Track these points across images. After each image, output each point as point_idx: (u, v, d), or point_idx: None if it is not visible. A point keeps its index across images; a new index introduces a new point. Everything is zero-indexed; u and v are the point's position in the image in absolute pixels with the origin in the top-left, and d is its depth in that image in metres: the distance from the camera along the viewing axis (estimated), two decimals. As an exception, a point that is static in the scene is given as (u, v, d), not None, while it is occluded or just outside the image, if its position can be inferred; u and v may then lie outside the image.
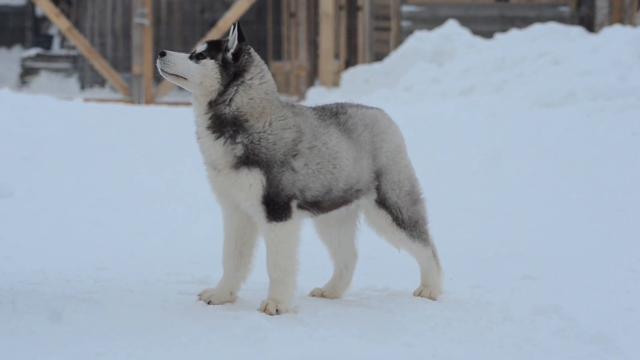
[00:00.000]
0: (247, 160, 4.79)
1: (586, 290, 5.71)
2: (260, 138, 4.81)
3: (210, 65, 4.84)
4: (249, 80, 4.87)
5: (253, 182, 4.79)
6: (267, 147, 4.81)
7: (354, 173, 5.01)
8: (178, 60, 4.85)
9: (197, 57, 4.85)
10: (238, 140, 4.80)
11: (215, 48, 4.88)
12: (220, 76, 4.85)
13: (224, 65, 4.86)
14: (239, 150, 4.80)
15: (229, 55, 4.87)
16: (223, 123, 4.82)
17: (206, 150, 4.87)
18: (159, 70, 4.84)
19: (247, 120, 4.83)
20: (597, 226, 7.81)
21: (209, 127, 4.84)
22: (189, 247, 6.83)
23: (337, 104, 5.14)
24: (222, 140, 4.82)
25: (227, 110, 4.83)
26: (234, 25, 4.90)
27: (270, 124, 4.83)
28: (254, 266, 5.02)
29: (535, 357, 4.35)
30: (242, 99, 4.84)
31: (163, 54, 4.84)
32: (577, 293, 5.63)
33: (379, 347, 4.36)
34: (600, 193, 9.04)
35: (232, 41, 4.88)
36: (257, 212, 4.83)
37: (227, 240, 4.99)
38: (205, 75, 4.83)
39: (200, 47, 4.90)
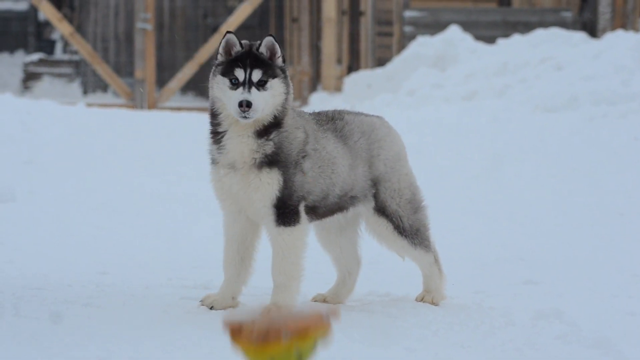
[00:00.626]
0: (272, 159, 4.77)
1: (588, 294, 5.71)
2: (286, 137, 4.80)
3: (276, 84, 4.78)
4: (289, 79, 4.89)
5: (271, 181, 4.75)
6: (287, 146, 4.80)
7: (348, 180, 4.99)
8: (262, 103, 4.73)
9: (262, 85, 4.75)
10: (271, 137, 4.78)
11: (267, 65, 4.78)
12: (286, 90, 4.82)
13: (284, 78, 4.82)
14: (269, 147, 4.77)
15: (282, 66, 4.83)
16: (270, 125, 4.80)
17: (233, 149, 4.79)
18: (242, 117, 4.68)
19: (282, 118, 4.82)
20: (599, 230, 7.81)
21: (256, 131, 4.79)
22: (190, 251, 6.83)
23: (334, 111, 5.13)
24: (262, 140, 4.78)
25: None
26: (271, 36, 4.82)
27: (290, 121, 4.84)
28: (254, 269, 5.01)
29: (537, 362, 4.35)
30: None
31: (249, 105, 4.67)
32: (579, 297, 5.62)
33: (381, 352, 4.36)
34: (602, 197, 9.03)
35: (270, 47, 4.81)
36: (267, 215, 4.80)
37: (229, 245, 4.97)
38: (274, 95, 4.77)
39: (256, 74, 4.73)
